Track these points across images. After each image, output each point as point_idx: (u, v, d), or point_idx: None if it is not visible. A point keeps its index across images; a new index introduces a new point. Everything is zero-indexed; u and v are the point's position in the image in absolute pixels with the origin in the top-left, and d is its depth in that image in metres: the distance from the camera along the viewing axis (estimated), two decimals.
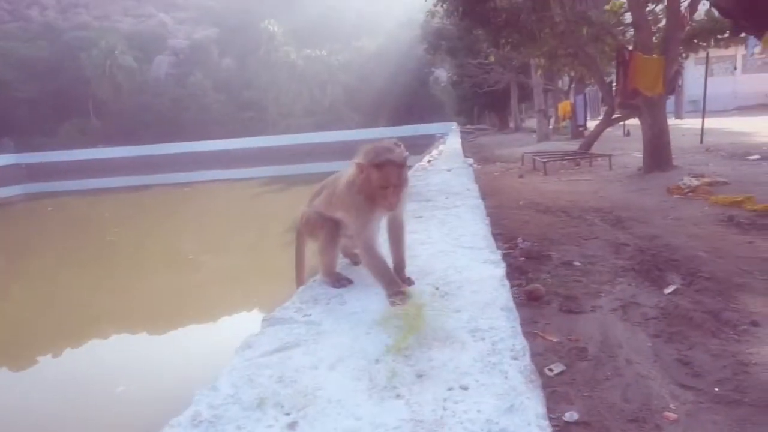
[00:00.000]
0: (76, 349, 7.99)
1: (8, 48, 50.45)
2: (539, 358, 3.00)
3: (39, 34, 57.41)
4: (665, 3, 9.69)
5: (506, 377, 1.20)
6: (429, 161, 9.64)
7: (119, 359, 7.34)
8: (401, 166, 1.93)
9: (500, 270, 1.98)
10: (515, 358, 1.28)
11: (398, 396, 1.21)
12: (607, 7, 12.62)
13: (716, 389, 2.62)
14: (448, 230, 2.74)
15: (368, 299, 1.82)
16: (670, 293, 3.95)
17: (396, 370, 1.29)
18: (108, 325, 8.89)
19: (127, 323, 9.03)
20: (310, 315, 1.71)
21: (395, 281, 1.87)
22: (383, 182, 1.86)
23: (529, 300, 4.04)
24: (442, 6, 11.62)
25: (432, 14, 13.99)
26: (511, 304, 1.62)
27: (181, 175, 34.30)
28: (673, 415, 2.38)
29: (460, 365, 1.28)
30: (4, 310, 10.48)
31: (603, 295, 4.05)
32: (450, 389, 1.21)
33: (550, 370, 2.96)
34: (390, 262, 2.01)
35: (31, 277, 12.60)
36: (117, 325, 8.93)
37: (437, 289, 1.86)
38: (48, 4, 72.14)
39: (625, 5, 11.18)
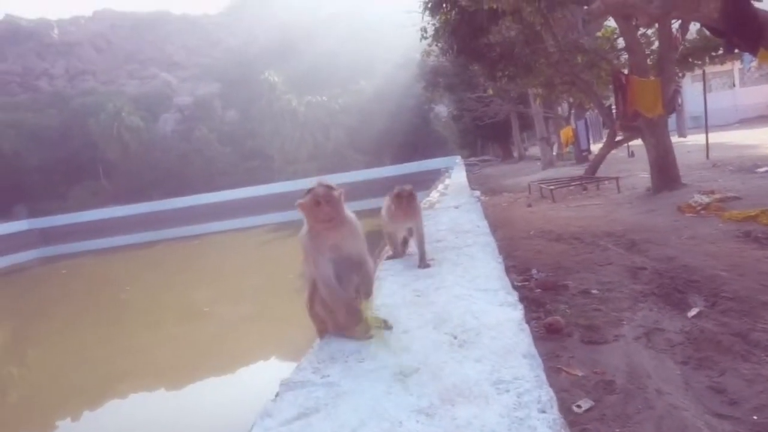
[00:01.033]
0: (94, 411, 7.93)
1: (19, 119, 52.01)
2: (565, 394, 2.91)
3: (48, 103, 59.18)
4: (656, 26, 9.83)
5: None
6: (437, 197, 9.65)
7: (137, 420, 7.24)
8: (329, 188, 2.43)
9: (518, 312, 1.94)
10: (543, 411, 1.23)
11: None
12: (599, 33, 12.82)
13: (755, 417, 2.50)
14: (462, 272, 2.71)
15: (387, 354, 1.78)
16: (693, 316, 3.84)
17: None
18: (126, 385, 8.82)
19: (144, 382, 8.96)
20: (329, 376, 1.67)
21: (353, 311, 2.08)
22: (314, 201, 2.35)
23: (549, 333, 3.94)
24: (437, 45, 11.86)
25: (428, 53, 14.30)
26: (533, 350, 1.57)
27: (190, 228, 34.61)
28: None
29: (486, 423, 1.23)
30: (23, 375, 10.46)
31: (625, 322, 3.95)
32: None
33: (578, 406, 2.86)
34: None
35: (48, 339, 12.59)
36: (134, 384, 8.86)
37: (455, 337, 1.82)
38: (56, 73, 74.69)
39: (617, 30, 11.37)
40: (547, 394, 1.31)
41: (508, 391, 1.37)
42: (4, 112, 51.96)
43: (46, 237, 40.28)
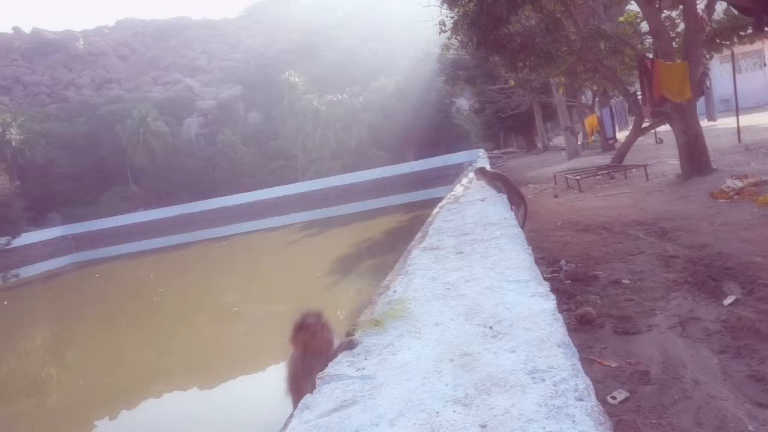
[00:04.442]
0: (131, 410, 8.12)
1: (50, 128, 53.46)
2: (599, 385, 2.88)
3: (77, 112, 60.64)
4: (681, 8, 9.59)
5: (574, 422, 1.15)
6: (461, 190, 9.60)
7: (175, 419, 7.40)
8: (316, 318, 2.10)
9: (550, 303, 1.93)
10: (580, 399, 1.23)
11: None
12: (621, 18, 12.57)
13: None
14: (491, 264, 2.70)
15: (420, 346, 1.79)
16: (730, 304, 3.77)
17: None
18: (161, 385, 9.01)
19: (179, 381, 9.14)
20: (364, 369, 1.69)
21: None
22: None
23: (581, 324, 3.91)
24: (456, 38, 11.78)
25: (447, 47, 14.19)
26: (567, 339, 1.56)
27: (219, 230, 35.15)
28: None
29: (524, 411, 1.23)
30: (62, 377, 10.78)
31: (658, 312, 3.90)
32: None
33: (613, 398, 2.83)
34: None
35: (85, 342, 12.95)
36: (169, 383, 9.04)
37: (491, 328, 1.82)
38: (83, 83, 76.52)
39: (641, 15, 11.13)
40: (583, 382, 1.30)
41: (543, 380, 1.37)
42: (34, 122, 53.39)
43: (79, 243, 41.37)
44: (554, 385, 1.32)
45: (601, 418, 1.15)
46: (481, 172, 7.90)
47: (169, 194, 48.02)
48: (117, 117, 53.56)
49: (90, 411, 8.38)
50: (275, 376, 8.22)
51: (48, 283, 27.40)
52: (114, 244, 37.76)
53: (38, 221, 44.17)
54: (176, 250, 30.53)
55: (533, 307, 1.93)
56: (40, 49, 79.32)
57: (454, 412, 1.31)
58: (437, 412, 1.33)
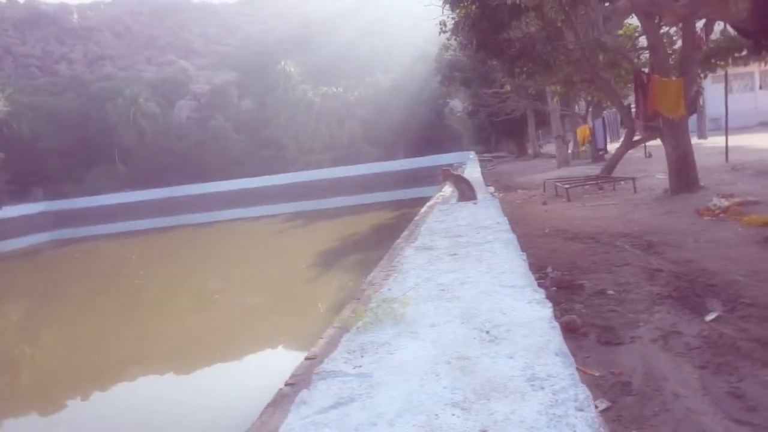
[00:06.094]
0: (104, 392, 8.03)
1: (38, 102, 52.47)
2: None
3: (67, 87, 59.59)
4: (680, 25, 9.69)
5: None
6: (450, 192, 9.62)
7: (149, 404, 7.33)
8: None
9: (547, 310, 1.95)
10: (580, 410, 1.24)
11: None
12: (620, 31, 12.67)
13: None
14: (486, 268, 2.72)
15: (417, 347, 1.80)
16: (712, 321, 3.83)
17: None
18: (136, 368, 8.91)
19: (154, 366, 9.04)
20: (361, 366, 1.68)
21: None
22: None
23: (565, 332, 3.94)
24: (455, 39, 11.79)
25: (446, 48, 14.19)
26: (566, 349, 1.58)
27: (204, 215, 34.86)
28: None
29: (525, 419, 1.24)
30: (34, 355, 10.62)
31: (641, 324, 3.95)
32: None
33: (595, 407, 2.87)
34: None
35: (60, 322, 12.74)
36: (144, 368, 8.94)
37: (488, 332, 1.83)
38: (75, 58, 75.33)
39: (640, 29, 11.22)
40: (583, 392, 1.32)
41: (543, 388, 1.38)
42: (23, 94, 52.39)
43: (61, 220, 40.75)
44: (554, 394, 1.33)
45: (601, 430, 1.17)
46: (445, 173, 8.33)
47: (157, 176, 47.44)
48: (108, 95, 52.73)
49: (62, 391, 8.27)
50: (252, 365, 8.20)
51: (26, 258, 26.96)
52: (97, 223, 37.25)
53: (21, 196, 43.44)
54: (161, 233, 30.22)
55: (530, 314, 1.95)
56: (32, 21, 77.93)
57: (453, 415, 1.31)
58: (436, 415, 1.33)
